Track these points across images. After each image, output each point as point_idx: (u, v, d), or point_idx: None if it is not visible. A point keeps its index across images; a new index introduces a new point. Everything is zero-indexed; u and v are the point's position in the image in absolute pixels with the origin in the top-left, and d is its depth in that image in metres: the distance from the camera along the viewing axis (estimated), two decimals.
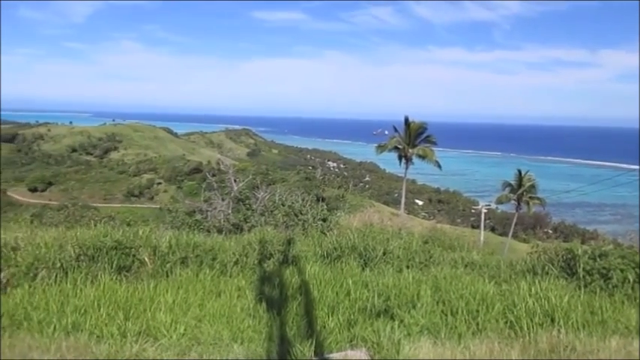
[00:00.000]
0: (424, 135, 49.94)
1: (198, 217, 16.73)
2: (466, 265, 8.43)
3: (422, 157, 49.34)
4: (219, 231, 14.34)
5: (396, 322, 5.63)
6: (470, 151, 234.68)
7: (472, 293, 6.41)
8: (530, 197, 51.57)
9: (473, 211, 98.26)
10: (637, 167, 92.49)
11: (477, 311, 6.00)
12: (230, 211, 16.71)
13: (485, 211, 62.58)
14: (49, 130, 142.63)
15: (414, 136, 49.04)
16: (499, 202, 57.98)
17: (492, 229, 77.84)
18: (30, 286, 6.45)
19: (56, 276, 6.76)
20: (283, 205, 17.25)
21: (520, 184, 51.06)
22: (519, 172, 52.01)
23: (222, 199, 17.22)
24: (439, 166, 50.71)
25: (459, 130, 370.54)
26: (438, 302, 6.30)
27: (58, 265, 6.91)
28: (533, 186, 51.78)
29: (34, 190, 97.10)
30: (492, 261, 8.87)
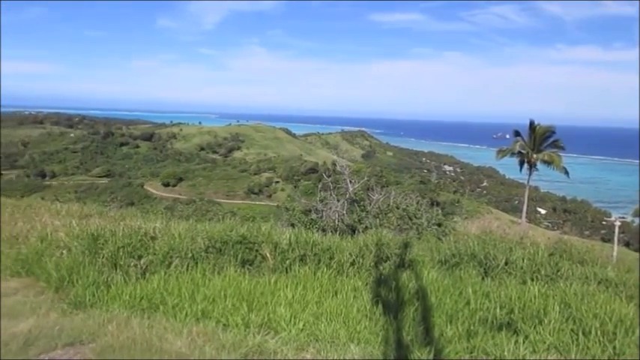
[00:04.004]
0: (551, 139, 46.79)
1: (314, 216, 17.13)
2: (599, 282, 7.72)
3: (547, 163, 46.22)
4: (334, 231, 14.58)
5: (521, 337, 5.33)
6: (602, 157, 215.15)
7: (607, 313, 5.87)
8: None
9: (604, 223, 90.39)
10: None
11: (614, 334, 5.47)
12: (345, 212, 16.90)
13: (619, 223, 57.08)
14: (180, 130, 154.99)
15: (539, 141, 46.11)
16: (636, 214, 52.61)
17: (627, 244, 70.61)
18: (165, 273, 7.03)
19: (188, 265, 7.31)
20: (397, 208, 17.14)
21: None
22: None
23: (337, 200, 17.46)
24: (567, 173, 47.13)
25: (590, 134, 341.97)
26: (567, 320, 5.85)
27: (190, 255, 7.46)
28: None
29: (166, 184, 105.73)
30: (630, 279, 8.04)
